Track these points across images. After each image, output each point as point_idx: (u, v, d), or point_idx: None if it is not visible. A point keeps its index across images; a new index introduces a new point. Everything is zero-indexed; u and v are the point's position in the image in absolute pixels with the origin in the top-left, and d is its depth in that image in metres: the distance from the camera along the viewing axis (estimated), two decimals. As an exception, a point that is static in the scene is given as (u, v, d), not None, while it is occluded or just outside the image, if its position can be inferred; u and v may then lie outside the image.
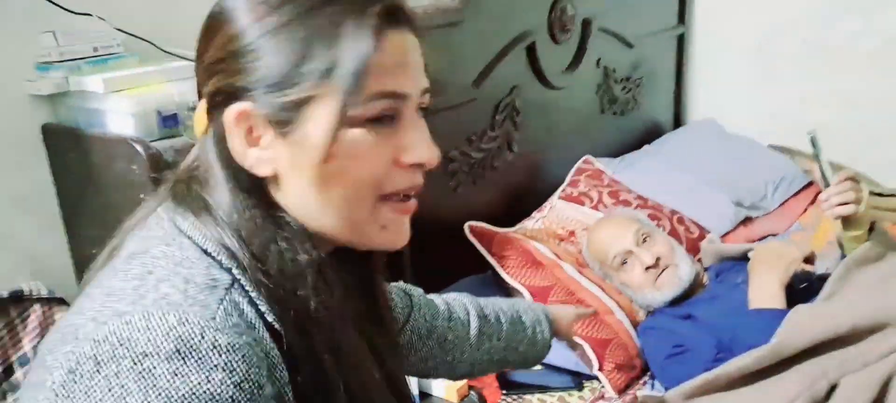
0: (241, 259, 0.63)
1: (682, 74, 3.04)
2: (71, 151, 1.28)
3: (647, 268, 1.81)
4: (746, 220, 2.38)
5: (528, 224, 2.11)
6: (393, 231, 0.73)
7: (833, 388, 1.44)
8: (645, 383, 1.73)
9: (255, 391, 0.57)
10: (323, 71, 0.64)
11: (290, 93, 0.64)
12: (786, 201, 2.51)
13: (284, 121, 0.65)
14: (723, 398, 1.52)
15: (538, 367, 1.76)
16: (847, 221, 1.65)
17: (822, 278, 1.69)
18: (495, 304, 1.24)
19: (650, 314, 1.84)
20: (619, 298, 1.84)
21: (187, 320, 0.56)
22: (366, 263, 0.82)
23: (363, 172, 0.68)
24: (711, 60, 3.05)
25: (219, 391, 0.55)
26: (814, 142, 1.66)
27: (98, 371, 0.54)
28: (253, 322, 0.61)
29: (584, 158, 2.37)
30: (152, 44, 1.41)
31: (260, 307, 0.62)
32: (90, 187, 1.29)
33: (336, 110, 0.64)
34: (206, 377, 0.54)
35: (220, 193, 0.67)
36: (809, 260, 1.78)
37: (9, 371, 1.33)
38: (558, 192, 2.23)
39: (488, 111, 2.11)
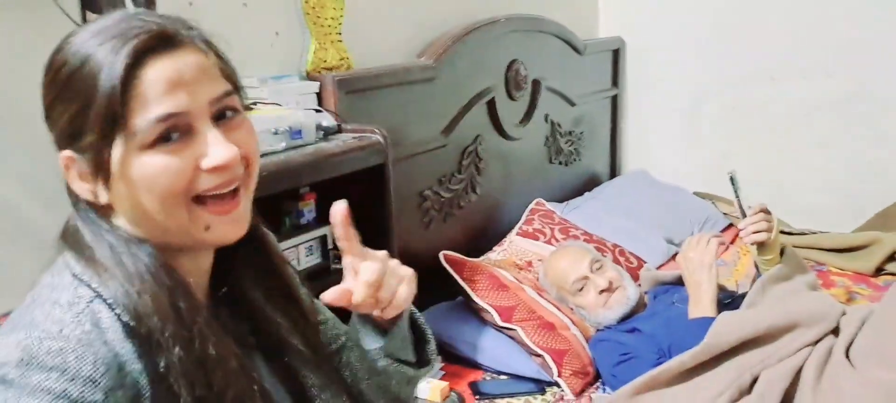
0: (98, 276, 0.75)
1: (616, 130, 3.41)
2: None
3: (601, 292, 2.09)
4: (676, 255, 2.71)
5: (492, 256, 2.39)
6: (218, 229, 0.79)
7: (755, 380, 1.75)
8: (597, 387, 2.00)
9: (87, 383, 0.69)
10: (97, 115, 0.73)
11: (83, 139, 0.75)
12: (710, 240, 2.85)
13: (93, 161, 0.75)
14: (664, 393, 1.80)
15: (505, 377, 2.04)
16: (761, 246, 1.97)
17: (744, 296, 2.01)
18: None
19: (600, 330, 2.12)
20: (573, 316, 2.12)
21: (33, 333, 0.70)
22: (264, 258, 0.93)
23: (164, 186, 0.75)
24: (642, 119, 3.44)
25: (54, 386, 0.68)
26: (733, 180, 1.99)
27: None
28: (108, 326, 0.72)
29: (536, 201, 2.67)
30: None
31: (116, 311, 0.73)
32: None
33: (121, 144, 0.74)
34: (45, 376, 0.68)
35: (80, 223, 0.79)
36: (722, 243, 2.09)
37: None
38: (516, 229, 2.52)
39: (456, 156, 2.40)
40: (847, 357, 1.73)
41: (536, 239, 2.47)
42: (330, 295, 0.85)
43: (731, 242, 2.88)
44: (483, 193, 2.52)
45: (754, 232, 1.94)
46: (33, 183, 1.48)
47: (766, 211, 1.97)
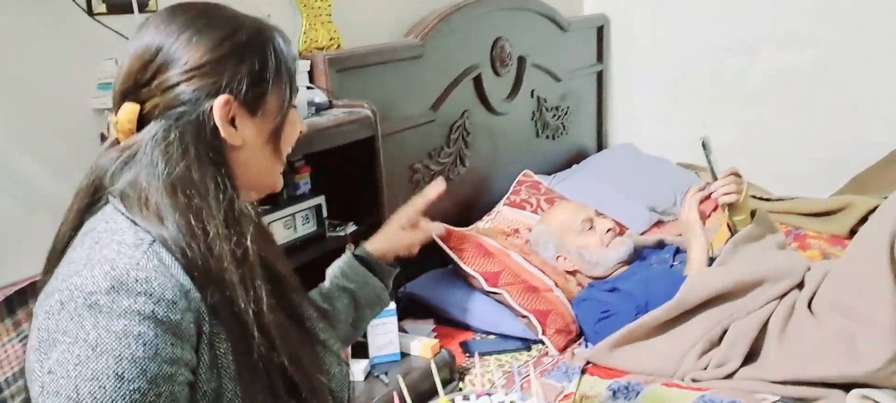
0: (158, 223, 0.85)
1: (602, 105, 3.52)
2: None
3: (608, 231, 2.26)
4: (659, 223, 2.84)
5: (480, 225, 2.50)
6: (281, 178, 1.02)
7: (725, 332, 1.87)
8: (580, 344, 2.12)
9: (170, 306, 0.81)
10: (276, 71, 0.94)
11: (261, 86, 0.92)
12: (692, 208, 2.97)
13: (255, 105, 0.93)
14: (641, 345, 1.92)
15: (493, 337, 2.16)
16: (732, 207, 2.08)
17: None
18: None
19: (581, 288, 2.24)
20: (558, 279, 2.24)
21: (117, 265, 0.81)
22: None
23: (295, 136, 1.00)
24: (626, 93, 3.54)
25: (143, 308, 0.79)
26: (705, 145, 2.10)
27: (62, 309, 0.80)
28: (170, 263, 0.84)
29: (523, 172, 2.79)
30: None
31: (176, 254, 0.84)
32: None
33: (284, 98, 0.95)
34: (133, 300, 0.79)
35: (149, 172, 0.87)
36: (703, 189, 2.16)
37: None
38: (503, 200, 2.64)
39: (444, 131, 2.51)
40: (809, 308, 1.86)
41: (523, 209, 2.58)
42: (437, 230, 1.41)
43: (714, 210, 2.99)
44: (472, 166, 2.64)
45: (725, 194, 2.05)
46: (49, 158, 1.59)
47: (737, 175, 2.08)
